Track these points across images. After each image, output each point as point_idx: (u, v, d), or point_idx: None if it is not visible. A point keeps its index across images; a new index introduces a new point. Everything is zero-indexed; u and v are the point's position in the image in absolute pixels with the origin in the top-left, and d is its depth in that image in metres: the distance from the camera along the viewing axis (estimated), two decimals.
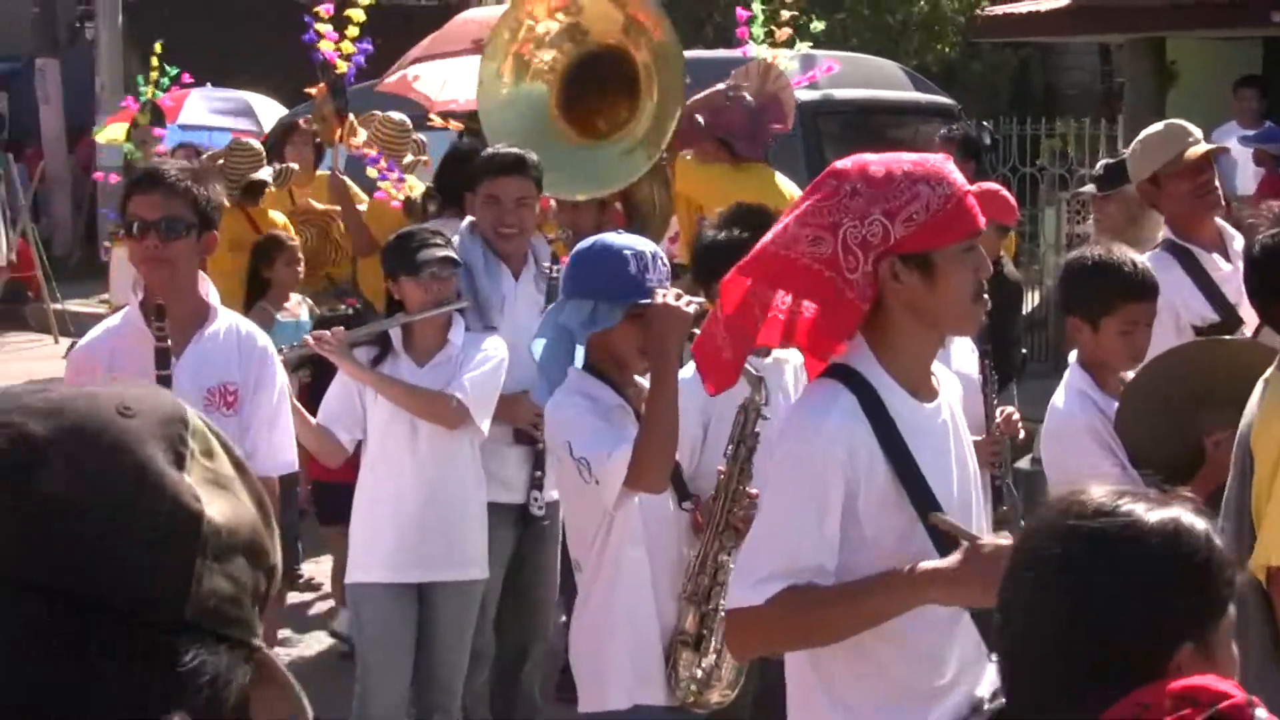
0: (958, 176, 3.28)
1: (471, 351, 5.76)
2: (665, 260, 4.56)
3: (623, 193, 6.69)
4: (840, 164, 3.32)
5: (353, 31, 8.31)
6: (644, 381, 4.48)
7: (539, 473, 6.06)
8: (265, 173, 10.44)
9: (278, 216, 10.63)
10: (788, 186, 7.40)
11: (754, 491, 4.34)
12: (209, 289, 5.08)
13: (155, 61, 11.41)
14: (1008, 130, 14.61)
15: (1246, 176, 12.62)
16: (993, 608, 2.44)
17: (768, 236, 3.35)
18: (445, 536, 5.77)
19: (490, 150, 6.37)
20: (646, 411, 4.34)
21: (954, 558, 3.13)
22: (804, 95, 10.11)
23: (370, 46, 8.33)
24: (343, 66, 8.44)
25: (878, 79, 11.46)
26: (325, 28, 8.29)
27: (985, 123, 13.75)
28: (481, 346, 5.80)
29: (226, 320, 5.05)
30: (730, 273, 3.40)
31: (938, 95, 11.74)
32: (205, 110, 14.92)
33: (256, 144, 10.65)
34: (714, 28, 15.71)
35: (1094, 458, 4.60)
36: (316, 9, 8.30)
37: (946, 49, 16.68)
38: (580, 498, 4.44)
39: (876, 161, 3.27)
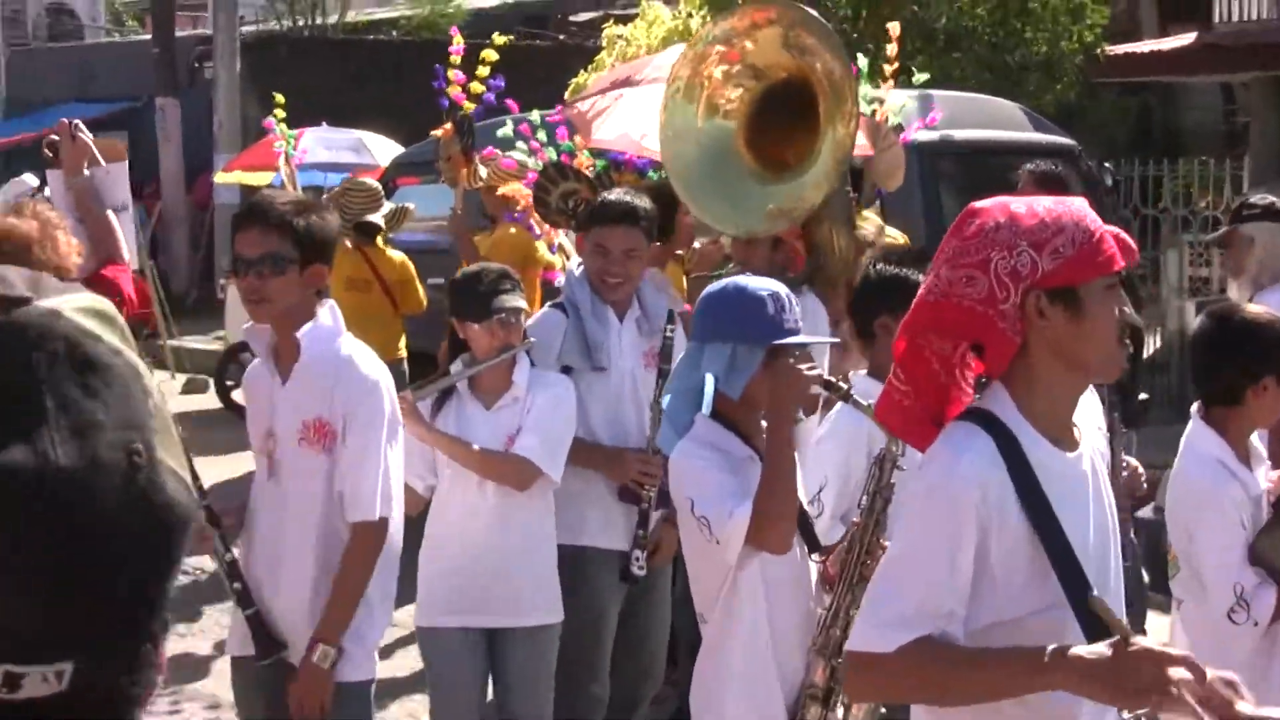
0: (1097, 218, 3.20)
1: (539, 393, 5.70)
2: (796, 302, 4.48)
3: (803, 230, 6.55)
4: (978, 204, 3.25)
5: (483, 71, 8.24)
6: None
7: (641, 532, 5.98)
8: (378, 215, 10.46)
9: (395, 255, 10.65)
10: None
11: (887, 544, 4.25)
12: (326, 316, 4.93)
13: (280, 112, 11.47)
14: (1129, 171, 14.39)
15: None
16: None
17: (921, 289, 3.27)
18: (514, 582, 5.69)
19: (604, 197, 6.30)
20: (764, 471, 4.24)
21: (1099, 649, 2.94)
22: (921, 136, 9.98)
23: (501, 84, 8.26)
24: (469, 106, 8.38)
25: (996, 119, 11.30)
26: (455, 73, 8.23)
27: (1106, 164, 13.54)
28: (549, 386, 5.75)
29: (334, 350, 4.90)
30: (896, 336, 3.32)
31: (1057, 135, 11.55)
32: (320, 149, 14.99)
33: (373, 183, 10.69)
34: None
35: (1224, 536, 4.57)
36: (449, 53, 8.24)
37: (1066, 90, 16.44)
38: (703, 553, 4.35)
39: (1019, 201, 3.22)
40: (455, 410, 5.65)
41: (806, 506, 4.87)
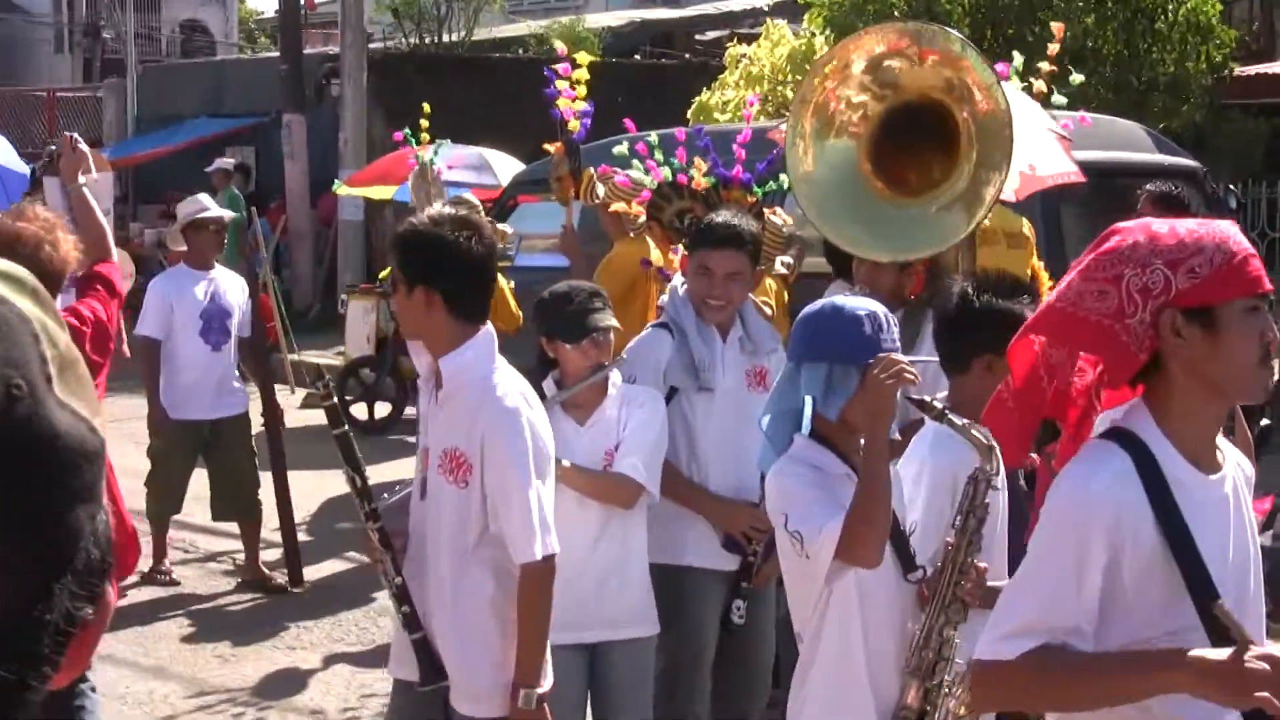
0: (1243, 240, 3.20)
1: (632, 410, 5.69)
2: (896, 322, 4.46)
3: None
4: (1123, 224, 3.28)
5: (581, 91, 8.26)
6: None
7: (745, 584, 6.00)
8: None
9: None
10: None
11: (982, 565, 4.27)
12: (475, 343, 4.84)
13: (425, 126, 11.56)
14: (1256, 194, 14.18)
15: None
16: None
17: (1052, 295, 3.30)
18: (613, 597, 5.69)
19: (709, 219, 6.28)
20: (858, 484, 4.21)
21: (1222, 654, 2.96)
22: None
23: (591, 108, 8.28)
24: (574, 125, 8.39)
25: (1119, 140, 11.16)
26: (564, 85, 8.26)
27: (1233, 186, 13.34)
28: (640, 402, 5.74)
29: (479, 379, 4.81)
30: (1017, 335, 3.37)
31: (1181, 157, 11.40)
32: (443, 167, 15.04)
33: (473, 199, 10.72)
34: None
35: None
36: (556, 66, 8.28)
37: (1193, 110, 16.22)
38: (798, 569, 4.34)
39: (1161, 222, 3.24)
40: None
41: (905, 524, 4.83)
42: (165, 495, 9.92)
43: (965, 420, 4.26)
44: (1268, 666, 2.87)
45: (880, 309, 4.37)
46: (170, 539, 10.34)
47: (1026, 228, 7.31)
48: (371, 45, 24.46)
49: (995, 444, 4.22)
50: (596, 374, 5.57)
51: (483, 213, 10.47)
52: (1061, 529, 3.20)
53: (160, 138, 28.26)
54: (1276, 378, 3.26)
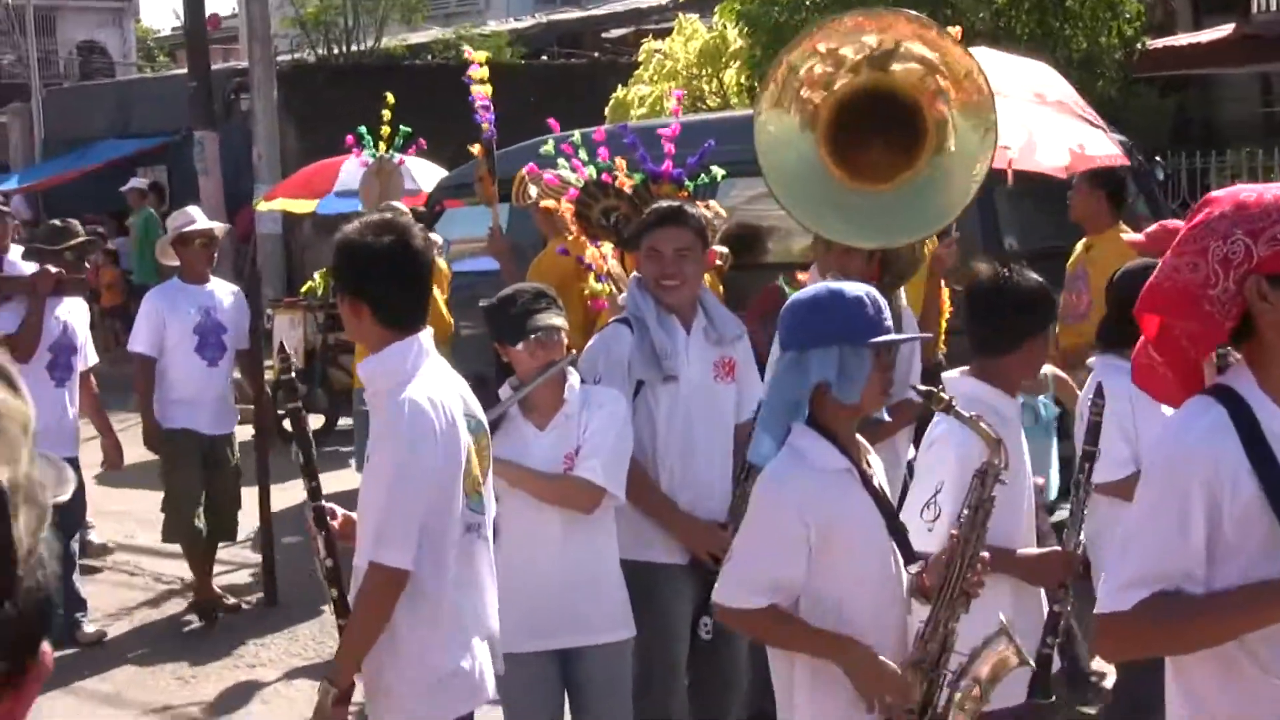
0: None
1: (593, 411, 5.63)
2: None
3: None
4: (1215, 194, 3.39)
5: (487, 89, 8.28)
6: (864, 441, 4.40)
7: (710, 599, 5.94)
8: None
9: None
10: None
11: (986, 555, 4.25)
12: (388, 352, 4.75)
13: (387, 117, 11.50)
14: (1175, 165, 14.31)
15: None
16: None
17: (1154, 274, 3.41)
18: (585, 601, 5.64)
19: (651, 206, 6.30)
20: None
21: None
22: None
23: (488, 102, 8.31)
24: (484, 126, 8.41)
25: None
26: (477, 90, 8.26)
27: (1156, 158, 13.47)
28: (601, 402, 5.67)
29: (393, 383, 4.72)
30: (1142, 317, 3.46)
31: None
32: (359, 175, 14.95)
33: (401, 206, 10.67)
34: None
35: None
36: (471, 71, 8.27)
37: (1107, 86, 16.36)
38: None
39: (1250, 189, 3.34)
40: (508, 434, 5.55)
41: (916, 514, 4.85)
42: (182, 514, 9.54)
43: (973, 413, 4.28)
44: None
45: (874, 290, 4.34)
46: (127, 564, 10.18)
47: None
48: (279, 58, 24.31)
49: (1002, 437, 4.27)
50: (547, 372, 5.53)
51: (412, 220, 10.47)
52: (1163, 480, 3.30)
53: (69, 161, 28.06)
54: None
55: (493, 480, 5.22)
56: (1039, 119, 8.66)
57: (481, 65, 8.30)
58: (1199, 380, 3.44)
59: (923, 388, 4.38)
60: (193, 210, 9.92)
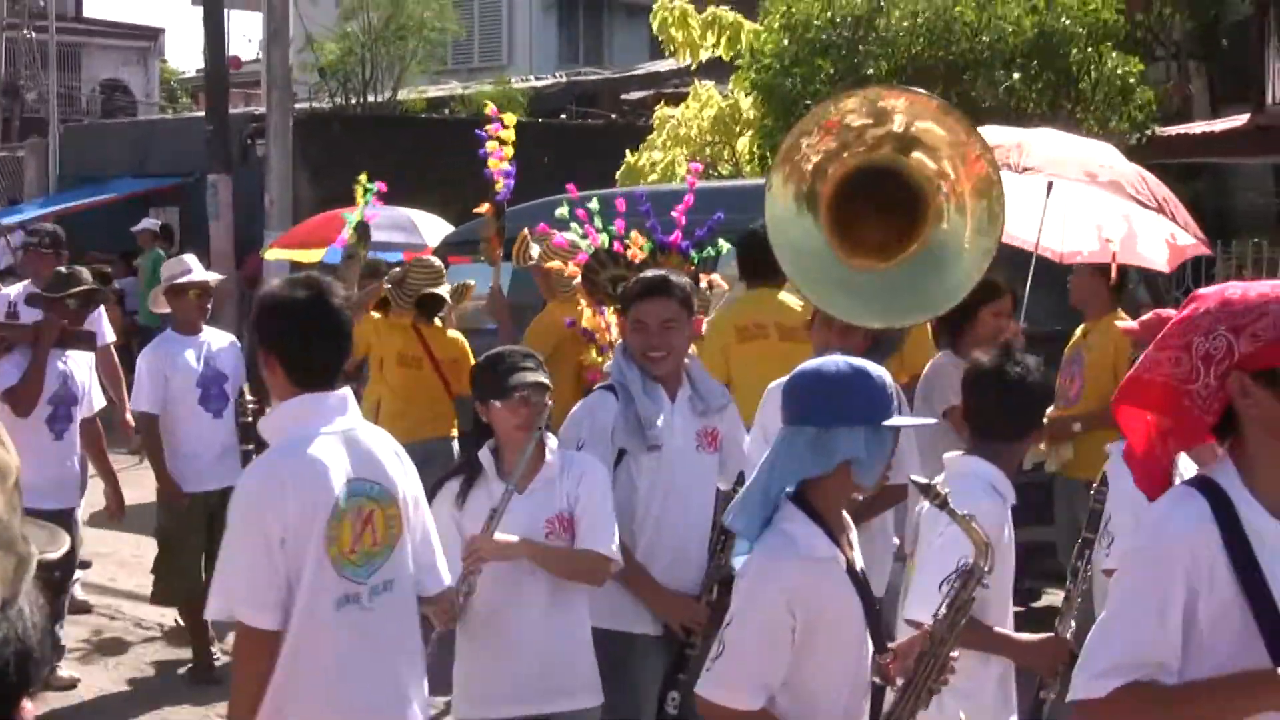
0: None
1: (581, 479, 5.60)
2: None
3: None
4: (1201, 290, 3.41)
5: (509, 151, 8.28)
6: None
7: (682, 675, 5.88)
8: (444, 289, 10.48)
9: (453, 334, 10.64)
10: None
11: (955, 655, 4.20)
12: (288, 402, 4.75)
13: (362, 186, 11.59)
14: None
15: None
16: None
17: (1134, 368, 3.44)
18: (563, 666, 5.62)
19: (637, 276, 6.30)
20: None
21: None
22: None
23: (514, 169, 8.30)
24: (500, 185, 8.40)
25: None
26: (494, 145, 8.27)
27: None
28: (583, 468, 5.65)
29: (281, 441, 4.77)
30: (1115, 405, 3.48)
31: None
32: (371, 227, 14.97)
33: (437, 261, 10.71)
34: None
35: None
36: (488, 126, 8.29)
37: None
38: None
39: (1236, 287, 3.35)
40: (488, 497, 5.51)
41: (934, 589, 4.78)
42: (182, 575, 9.36)
43: (966, 511, 4.23)
44: None
45: (884, 370, 4.26)
46: (109, 607, 10.12)
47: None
48: (297, 105, 24.39)
49: (990, 541, 4.22)
50: (529, 444, 5.45)
51: (444, 274, 10.51)
52: (1143, 569, 3.31)
53: (82, 194, 28.09)
54: None
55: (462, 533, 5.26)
56: (1104, 205, 8.64)
57: (508, 128, 8.31)
58: (1164, 479, 3.44)
59: (921, 480, 4.24)
60: (189, 259, 9.81)
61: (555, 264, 8.85)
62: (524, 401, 5.47)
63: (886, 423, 4.12)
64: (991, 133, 8.75)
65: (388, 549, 4.73)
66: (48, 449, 8.83)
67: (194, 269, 9.64)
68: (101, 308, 9.58)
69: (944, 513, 4.22)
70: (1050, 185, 8.32)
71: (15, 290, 10.65)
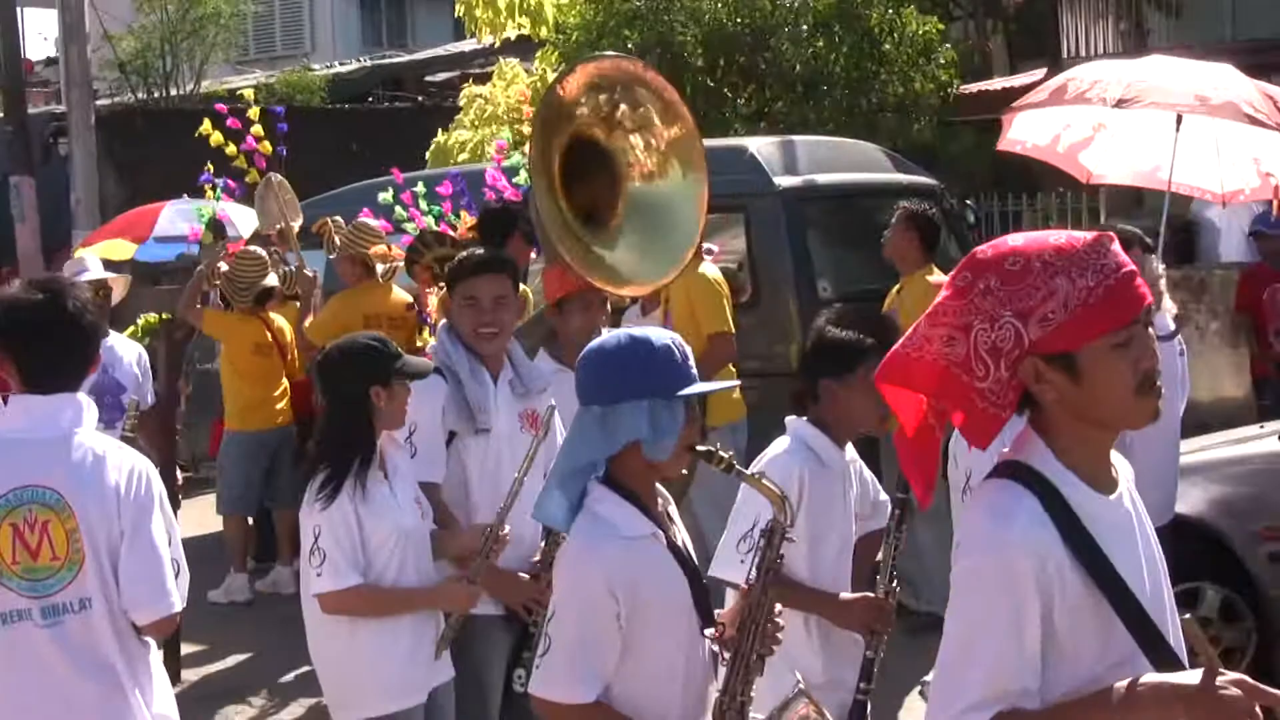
0: (1110, 260, 2.99)
1: (400, 455, 5.71)
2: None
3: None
4: (980, 252, 3.09)
5: (259, 131, 8.39)
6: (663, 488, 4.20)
7: (526, 653, 5.80)
8: (272, 279, 10.48)
9: (276, 318, 10.68)
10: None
11: (779, 619, 4.12)
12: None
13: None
14: (989, 207, 14.53)
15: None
16: None
17: (900, 341, 3.14)
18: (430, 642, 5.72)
19: (465, 252, 6.28)
20: None
21: (1187, 677, 2.90)
22: (785, 181, 10.04)
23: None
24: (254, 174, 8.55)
25: (860, 162, 11.40)
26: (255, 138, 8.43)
27: (968, 201, 13.69)
28: (400, 445, 5.74)
29: None
30: (878, 382, 3.19)
31: (919, 175, 11.67)
32: (180, 222, 14.80)
33: (262, 251, 10.66)
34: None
35: None
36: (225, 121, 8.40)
37: (922, 130, 16.62)
38: None
39: (1017, 251, 3.02)
40: (379, 494, 5.52)
41: (732, 547, 4.82)
42: None
43: (756, 470, 4.22)
44: (1240, 691, 2.81)
45: (678, 337, 4.09)
46: None
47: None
48: (99, 101, 23.96)
49: (787, 495, 4.18)
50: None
51: (268, 263, 10.56)
52: (989, 589, 2.99)
53: None
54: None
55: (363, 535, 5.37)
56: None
57: (254, 122, 8.36)
58: (936, 463, 3.21)
59: (702, 448, 4.07)
60: (88, 257, 9.54)
61: (380, 248, 8.84)
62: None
63: (681, 393, 3.96)
64: (1082, 70, 8.75)
65: (74, 565, 4.40)
66: None
67: (92, 268, 9.42)
68: None
69: (732, 474, 4.12)
70: (1180, 119, 8.18)
71: None
